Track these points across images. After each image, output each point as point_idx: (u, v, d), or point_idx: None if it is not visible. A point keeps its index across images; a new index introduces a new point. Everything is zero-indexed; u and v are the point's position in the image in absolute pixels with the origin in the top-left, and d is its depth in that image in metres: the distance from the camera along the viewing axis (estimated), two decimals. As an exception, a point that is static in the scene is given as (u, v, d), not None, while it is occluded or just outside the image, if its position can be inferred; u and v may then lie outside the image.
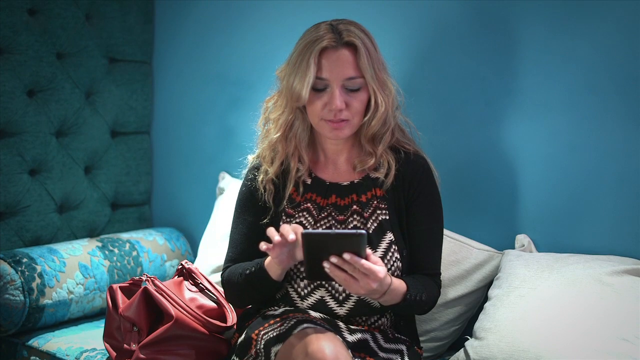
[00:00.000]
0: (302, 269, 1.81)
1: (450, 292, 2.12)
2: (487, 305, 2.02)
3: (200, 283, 2.00)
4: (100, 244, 2.50)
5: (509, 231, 2.15)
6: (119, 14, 2.76)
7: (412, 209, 1.88)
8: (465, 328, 2.18)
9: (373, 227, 1.84)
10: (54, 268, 2.32)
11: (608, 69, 2.00)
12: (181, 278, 2.01)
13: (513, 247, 2.13)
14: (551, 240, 2.10)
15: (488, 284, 2.11)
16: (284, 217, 1.88)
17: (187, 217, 2.86)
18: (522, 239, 2.12)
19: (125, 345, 1.89)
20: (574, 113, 2.06)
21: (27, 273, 2.25)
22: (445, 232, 2.17)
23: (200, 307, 1.94)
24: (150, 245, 2.64)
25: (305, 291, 1.83)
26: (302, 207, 1.88)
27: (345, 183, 1.90)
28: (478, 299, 2.15)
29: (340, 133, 1.81)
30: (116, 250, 2.52)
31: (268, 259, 1.76)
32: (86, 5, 2.66)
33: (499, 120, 2.17)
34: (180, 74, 2.86)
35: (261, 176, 1.91)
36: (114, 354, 1.92)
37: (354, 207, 1.87)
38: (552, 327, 1.84)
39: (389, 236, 1.85)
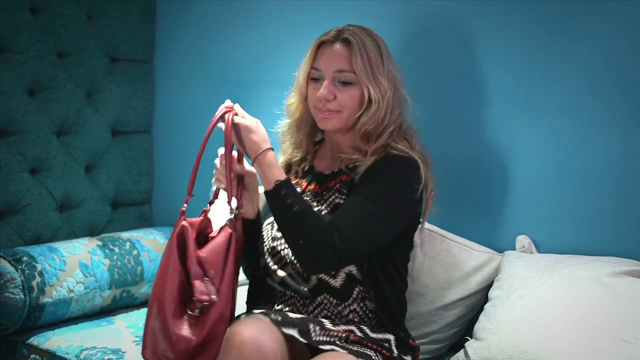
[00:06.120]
0: (273, 244, 1.90)
1: (450, 294, 2.11)
2: (487, 306, 2.02)
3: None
4: (100, 243, 2.50)
5: (510, 232, 2.15)
6: (120, 14, 2.76)
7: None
8: (465, 329, 2.18)
9: (327, 211, 1.86)
10: (54, 267, 2.32)
11: (608, 69, 2.00)
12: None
13: (513, 248, 2.13)
14: (551, 241, 2.10)
15: (488, 286, 2.11)
16: None
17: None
18: (522, 240, 2.12)
19: (201, 296, 1.70)
20: (574, 114, 2.06)
21: (27, 271, 2.25)
22: (445, 233, 2.18)
23: None
24: (151, 245, 2.64)
25: (274, 267, 1.90)
26: None
27: (327, 172, 1.95)
28: (478, 301, 2.14)
29: (327, 122, 1.88)
30: (116, 249, 2.52)
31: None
32: (87, 5, 2.66)
33: (499, 121, 2.17)
34: (181, 73, 2.86)
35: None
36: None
37: (324, 193, 1.92)
38: (552, 328, 1.84)
39: None
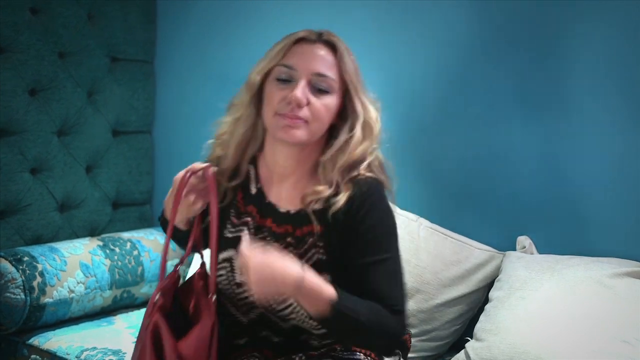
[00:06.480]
0: (237, 290, 1.64)
1: (451, 292, 2.12)
2: (487, 306, 2.02)
3: None
4: (101, 243, 2.50)
5: (510, 233, 2.15)
6: (120, 14, 2.76)
7: (352, 241, 1.57)
8: (465, 329, 2.18)
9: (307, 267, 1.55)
10: (55, 267, 2.32)
11: (610, 71, 2.00)
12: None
13: (514, 249, 2.13)
14: (552, 242, 2.10)
15: (489, 284, 2.11)
16: (228, 226, 1.67)
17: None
18: (523, 240, 2.12)
19: None
20: (575, 115, 2.06)
21: (28, 272, 2.25)
22: (447, 232, 2.18)
23: None
24: (152, 245, 2.64)
25: (238, 313, 1.67)
26: (242, 219, 1.66)
27: (282, 210, 1.63)
28: (479, 299, 2.14)
29: (290, 132, 1.55)
30: (117, 250, 2.52)
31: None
32: (88, 5, 2.66)
33: (501, 121, 2.18)
34: (182, 73, 2.86)
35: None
36: None
37: (288, 239, 1.62)
38: (552, 329, 1.84)
39: (325, 277, 1.54)
